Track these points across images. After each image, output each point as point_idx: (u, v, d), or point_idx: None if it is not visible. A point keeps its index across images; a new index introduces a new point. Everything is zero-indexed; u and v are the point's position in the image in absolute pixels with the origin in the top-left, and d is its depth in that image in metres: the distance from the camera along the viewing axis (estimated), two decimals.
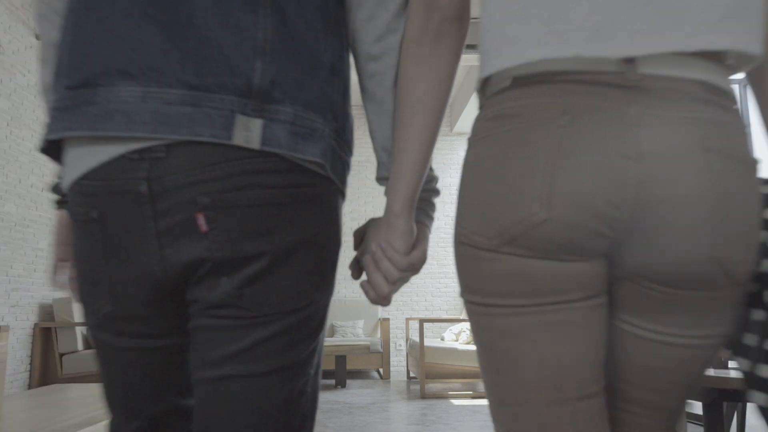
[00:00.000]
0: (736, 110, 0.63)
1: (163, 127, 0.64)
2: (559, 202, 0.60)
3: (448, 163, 7.61)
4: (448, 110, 7.75)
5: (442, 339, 6.18)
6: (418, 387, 5.62)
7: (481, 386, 5.66)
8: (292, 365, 0.71)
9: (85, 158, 0.68)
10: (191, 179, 0.65)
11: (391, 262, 0.76)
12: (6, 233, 4.63)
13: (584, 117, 0.60)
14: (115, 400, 0.78)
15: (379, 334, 6.94)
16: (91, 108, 0.65)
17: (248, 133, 0.65)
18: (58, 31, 0.81)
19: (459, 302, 7.44)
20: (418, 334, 6.41)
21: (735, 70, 0.67)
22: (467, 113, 6.97)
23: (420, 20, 0.72)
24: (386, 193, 0.78)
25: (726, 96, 0.63)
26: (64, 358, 4.98)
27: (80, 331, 5.15)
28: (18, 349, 4.76)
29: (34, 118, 5.01)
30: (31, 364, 4.95)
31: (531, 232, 0.61)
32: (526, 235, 0.62)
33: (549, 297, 0.62)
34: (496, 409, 0.68)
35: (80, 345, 5.10)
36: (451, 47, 0.73)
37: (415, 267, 0.78)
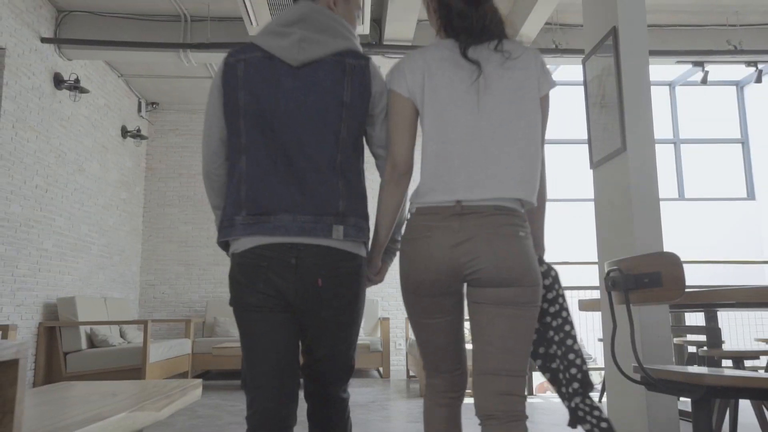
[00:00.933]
0: (515, 215, 1.40)
1: (302, 233, 1.44)
2: (431, 270, 1.40)
3: None
4: None
5: None
6: (417, 386, 5.67)
7: None
8: (349, 339, 1.58)
9: (261, 240, 1.46)
10: (315, 262, 1.45)
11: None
12: (11, 233, 4.68)
13: (436, 230, 1.40)
14: (264, 370, 1.50)
15: (379, 334, 6.98)
16: (267, 225, 1.44)
17: (338, 233, 1.45)
18: (220, 182, 1.60)
19: None
20: None
21: (522, 208, 1.46)
22: None
23: (389, 173, 1.50)
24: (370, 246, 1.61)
25: (508, 209, 1.40)
26: (68, 356, 5.03)
27: (84, 330, 5.20)
28: None
29: (38, 120, 5.05)
30: (35, 362, 5.01)
31: (424, 284, 1.43)
32: (422, 286, 1.43)
33: (436, 315, 1.47)
34: (421, 351, 1.55)
35: (84, 344, 5.15)
36: (405, 187, 1.51)
37: (376, 282, 1.65)
